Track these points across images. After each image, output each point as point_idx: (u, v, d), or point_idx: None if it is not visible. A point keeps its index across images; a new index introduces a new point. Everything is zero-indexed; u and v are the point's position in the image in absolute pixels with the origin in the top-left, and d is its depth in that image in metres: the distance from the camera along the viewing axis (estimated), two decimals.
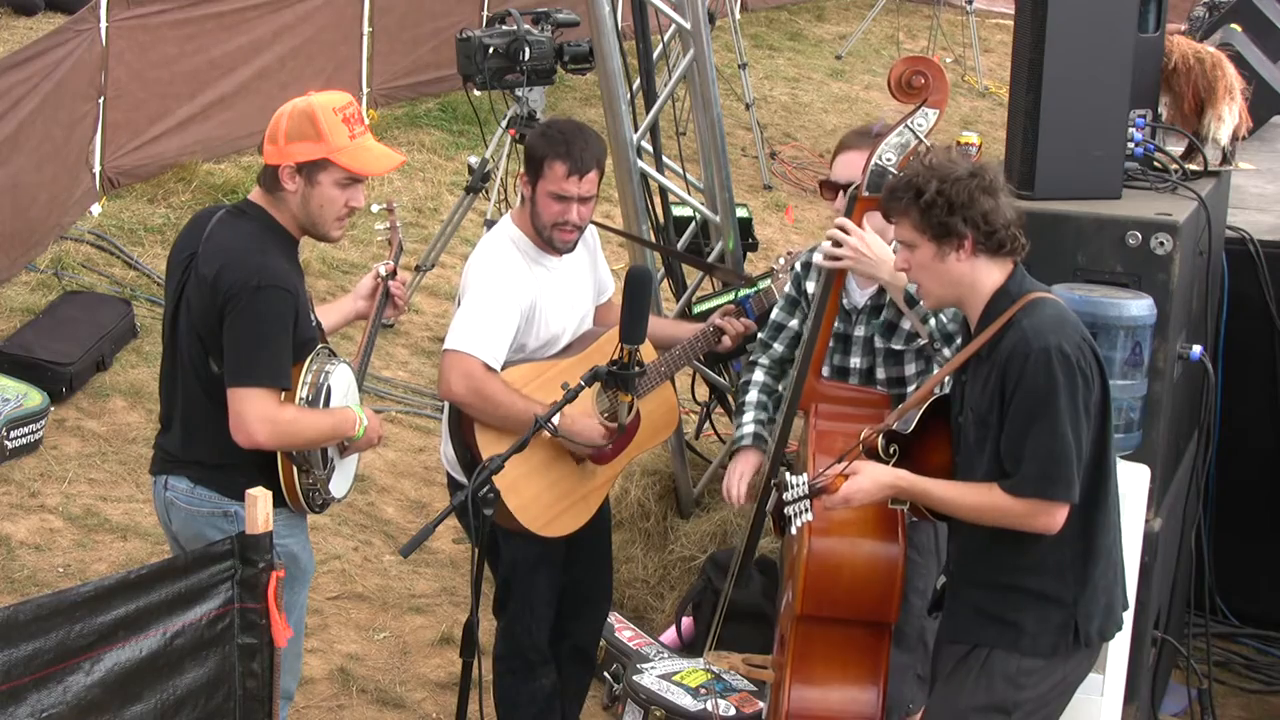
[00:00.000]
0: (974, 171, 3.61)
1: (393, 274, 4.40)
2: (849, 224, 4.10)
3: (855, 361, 4.39)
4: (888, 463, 3.70)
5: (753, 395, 4.56)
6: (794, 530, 3.77)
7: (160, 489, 4.01)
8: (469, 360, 4.29)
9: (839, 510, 3.87)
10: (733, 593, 4.55)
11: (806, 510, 3.71)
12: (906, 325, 4.28)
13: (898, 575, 3.87)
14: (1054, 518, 3.56)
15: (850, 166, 4.29)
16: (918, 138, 4.03)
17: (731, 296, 5.71)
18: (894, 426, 3.74)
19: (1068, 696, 3.76)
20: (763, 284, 5.45)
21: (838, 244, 4.10)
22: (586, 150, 4.37)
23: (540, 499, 4.40)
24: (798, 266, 4.57)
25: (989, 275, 3.64)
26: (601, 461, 4.55)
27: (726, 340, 4.71)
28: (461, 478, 4.48)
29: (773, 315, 4.61)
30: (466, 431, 4.35)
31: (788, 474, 3.79)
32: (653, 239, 5.85)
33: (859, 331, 4.37)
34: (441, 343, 4.46)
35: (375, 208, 4.61)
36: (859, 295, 4.37)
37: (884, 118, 4.47)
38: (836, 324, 4.34)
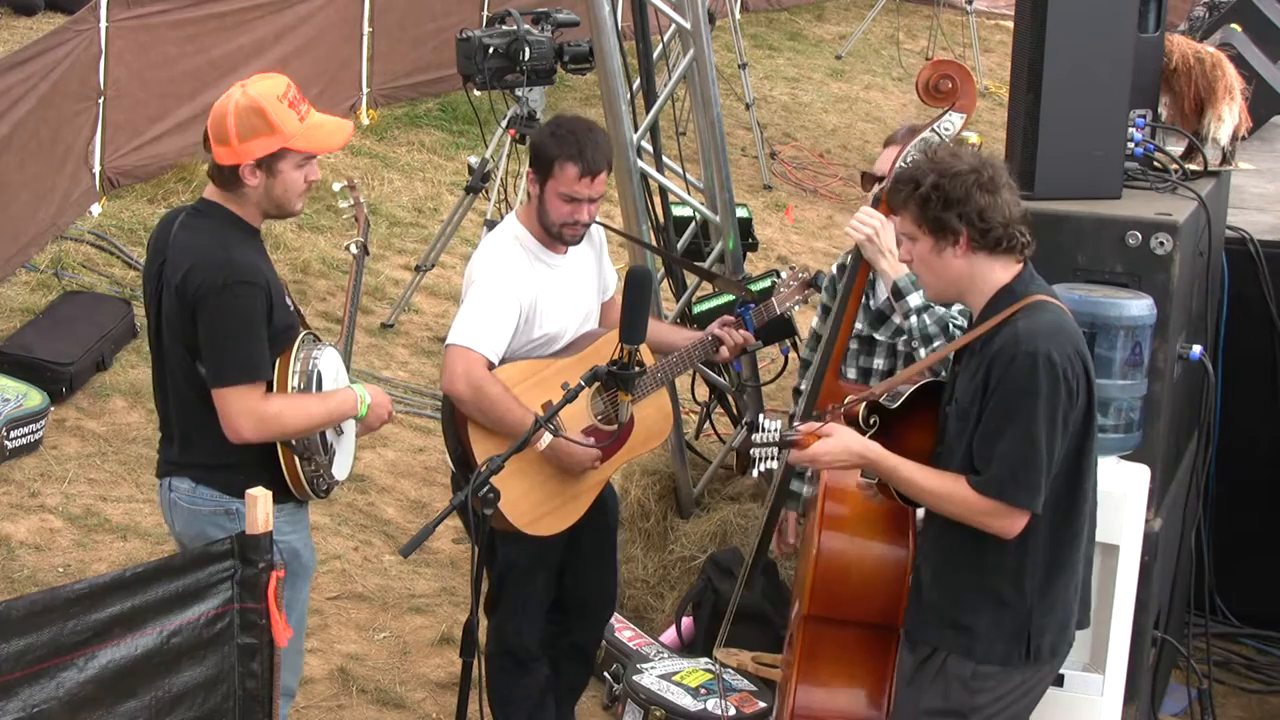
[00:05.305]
0: (975, 167, 3.56)
1: (364, 249, 4.42)
2: (873, 210, 4.13)
3: (879, 363, 4.42)
4: (865, 433, 3.67)
5: None
6: (755, 474, 3.77)
7: (165, 491, 4.03)
8: (472, 356, 4.29)
9: (850, 512, 3.87)
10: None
11: (772, 458, 3.69)
12: (897, 319, 4.31)
13: (906, 578, 3.84)
14: (1012, 522, 3.53)
15: (889, 161, 4.32)
16: (944, 141, 4.03)
17: (732, 297, 5.70)
18: (880, 399, 3.72)
19: (1031, 698, 3.73)
20: (765, 283, 5.43)
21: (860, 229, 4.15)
22: (598, 151, 4.36)
23: (529, 497, 4.39)
24: (834, 270, 4.57)
25: (991, 273, 3.60)
26: None
27: (724, 351, 4.67)
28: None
29: (813, 326, 4.62)
30: (460, 427, 4.36)
31: (763, 418, 3.78)
32: (653, 239, 5.84)
33: (882, 335, 4.39)
34: (441, 342, 4.46)
35: (336, 186, 4.60)
36: (884, 297, 4.37)
37: (884, 118, 4.48)
38: (861, 326, 4.36)
